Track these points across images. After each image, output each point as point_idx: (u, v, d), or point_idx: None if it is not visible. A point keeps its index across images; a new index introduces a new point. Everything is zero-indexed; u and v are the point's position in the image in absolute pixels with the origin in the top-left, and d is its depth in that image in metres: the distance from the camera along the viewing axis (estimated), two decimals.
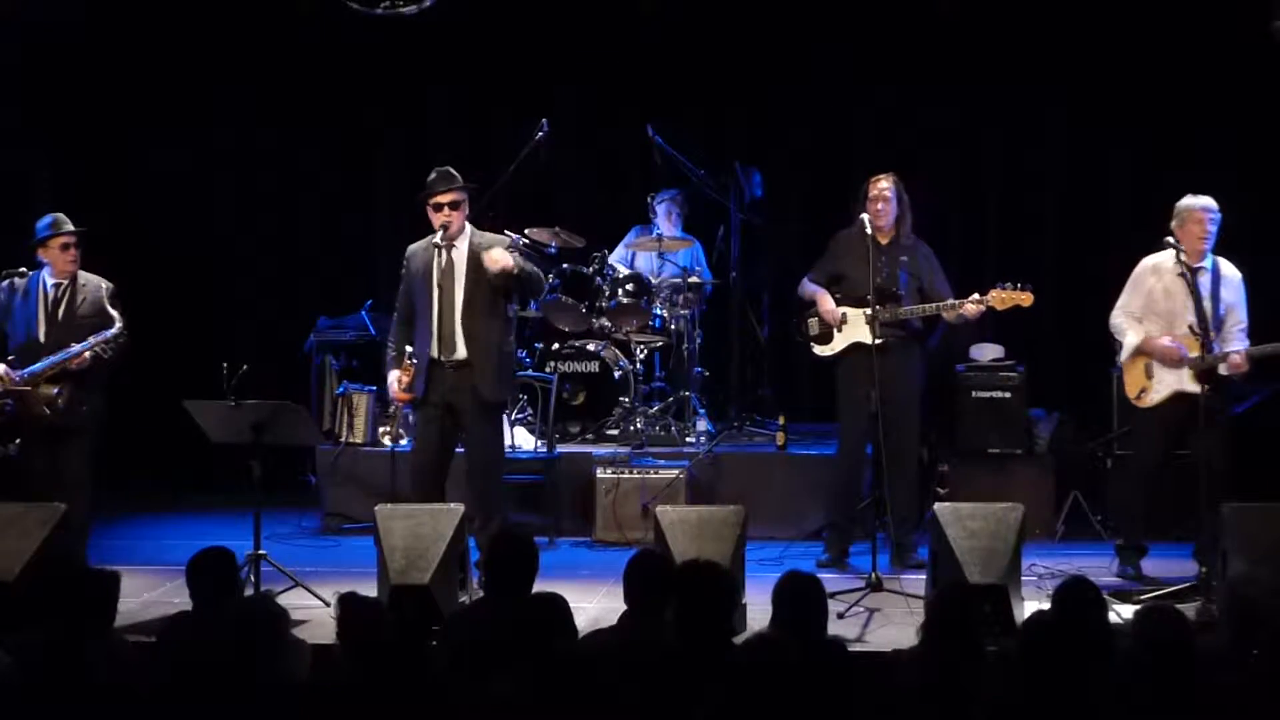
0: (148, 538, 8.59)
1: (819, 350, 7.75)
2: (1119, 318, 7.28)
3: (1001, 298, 7.35)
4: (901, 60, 9.68)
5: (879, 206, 7.49)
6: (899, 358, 7.48)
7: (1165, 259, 7.12)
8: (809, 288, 7.75)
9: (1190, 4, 8.94)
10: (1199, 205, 7.08)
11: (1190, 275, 6.96)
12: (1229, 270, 7.13)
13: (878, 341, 7.15)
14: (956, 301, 7.45)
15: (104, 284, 7.37)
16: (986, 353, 8.84)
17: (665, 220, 9.37)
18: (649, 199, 9.40)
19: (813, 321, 7.76)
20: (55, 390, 7.14)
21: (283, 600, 6.26)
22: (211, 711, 4.22)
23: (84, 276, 7.38)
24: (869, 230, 7.24)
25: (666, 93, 9.88)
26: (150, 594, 7.07)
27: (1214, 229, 7.07)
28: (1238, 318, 7.09)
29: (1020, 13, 9.28)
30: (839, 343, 7.66)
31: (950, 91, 9.82)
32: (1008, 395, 8.63)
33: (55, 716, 4.33)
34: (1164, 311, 7.15)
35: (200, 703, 4.24)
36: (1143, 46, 9.29)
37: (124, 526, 8.88)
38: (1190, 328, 6.92)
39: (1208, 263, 7.10)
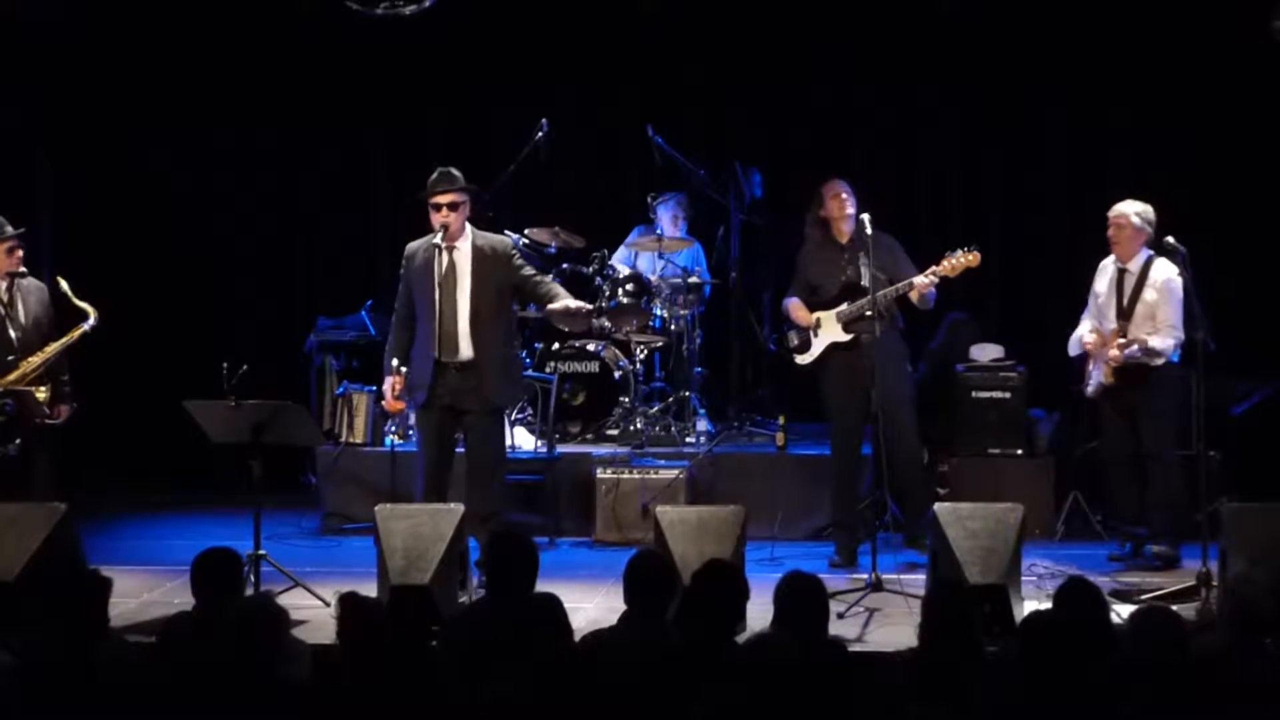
0: (148, 538, 8.59)
1: (800, 359, 7.88)
2: (1083, 315, 7.70)
3: (951, 265, 7.44)
4: (901, 60, 9.68)
5: (841, 210, 7.69)
6: (879, 350, 7.45)
7: (1107, 260, 7.59)
8: (786, 303, 7.93)
9: (1190, 4, 8.94)
10: (1113, 210, 7.52)
11: (1118, 275, 7.47)
12: (1157, 272, 7.38)
13: (848, 337, 7.50)
14: (911, 280, 7.48)
15: (37, 281, 7.49)
16: (986, 353, 8.84)
17: (670, 224, 9.36)
18: (649, 199, 9.39)
19: (792, 333, 7.92)
20: (45, 390, 7.22)
21: (283, 600, 6.28)
22: (211, 711, 4.22)
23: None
24: (868, 230, 7.32)
25: (666, 93, 9.88)
26: (150, 594, 7.07)
27: (1118, 232, 7.42)
28: (1161, 316, 7.33)
29: (1020, 13, 9.28)
30: (816, 347, 7.78)
31: (950, 91, 9.82)
32: (1008, 395, 8.63)
33: (55, 716, 4.34)
34: (1099, 309, 7.56)
35: (200, 703, 4.24)
36: (1143, 46, 9.28)
37: (124, 526, 8.88)
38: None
39: (1135, 264, 7.43)
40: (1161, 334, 7.27)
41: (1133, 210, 7.42)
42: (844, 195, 7.71)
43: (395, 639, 4.40)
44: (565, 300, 7.12)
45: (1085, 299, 7.72)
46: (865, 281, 7.54)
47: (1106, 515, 8.11)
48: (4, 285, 7.34)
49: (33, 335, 7.36)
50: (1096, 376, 7.48)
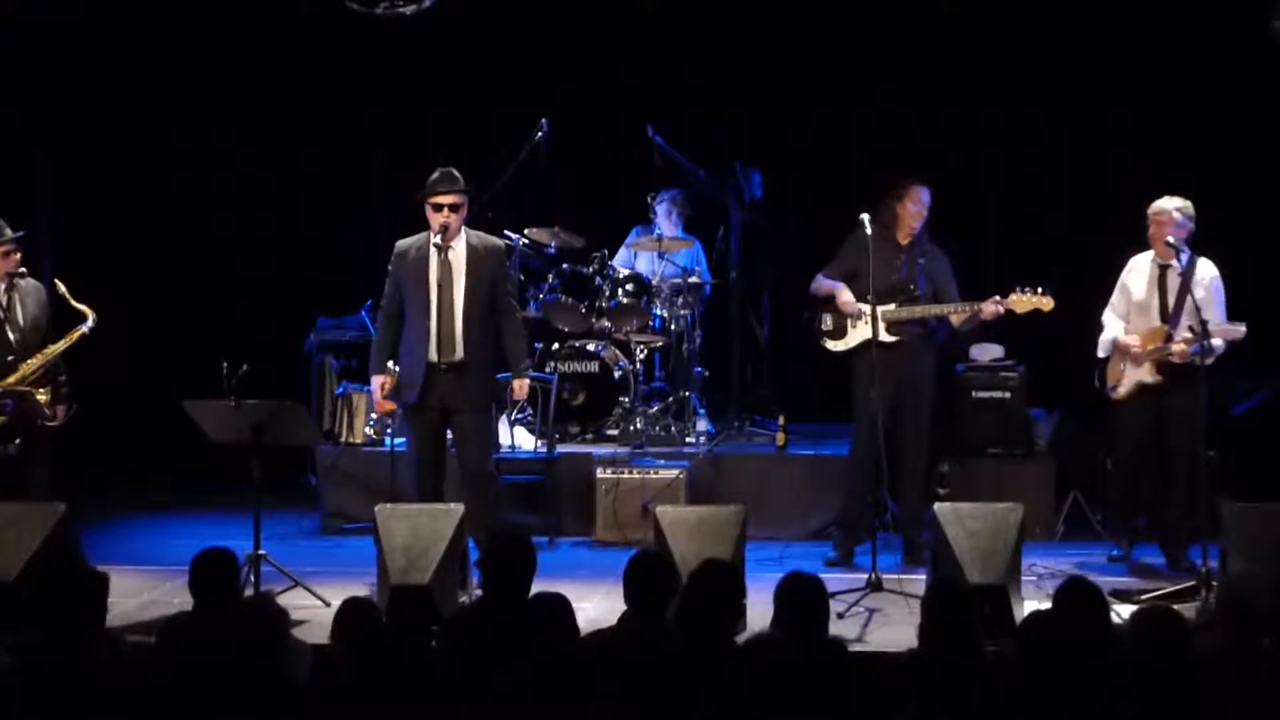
0: (148, 538, 8.59)
1: (833, 345, 7.77)
2: (1106, 314, 7.60)
3: (1022, 301, 7.43)
4: (901, 60, 9.68)
5: (918, 213, 7.62)
6: (914, 356, 7.52)
7: (1143, 258, 7.47)
8: (825, 283, 7.77)
9: (1190, 4, 8.94)
10: (1153, 207, 7.41)
11: (1160, 272, 7.35)
12: (1203, 270, 7.31)
13: (891, 339, 7.36)
14: (975, 303, 7.47)
15: (36, 282, 7.45)
16: (986, 353, 8.85)
17: (666, 220, 9.36)
18: (649, 199, 9.39)
19: (827, 316, 7.80)
20: (46, 392, 7.18)
21: (283, 600, 6.28)
22: (211, 711, 4.22)
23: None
24: (868, 230, 7.26)
25: (666, 93, 9.88)
26: (150, 594, 7.07)
27: (1166, 230, 7.28)
28: (1209, 315, 7.15)
29: (1019, 13, 9.28)
30: (853, 338, 7.69)
31: (950, 91, 9.82)
32: (1008, 395, 8.64)
33: (55, 716, 4.33)
34: (1137, 307, 7.43)
35: (200, 703, 4.24)
36: (1143, 46, 9.29)
37: (125, 526, 8.88)
38: (1190, 327, 7.10)
39: (1179, 261, 7.29)
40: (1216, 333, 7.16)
41: (1173, 206, 7.30)
42: (924, 205, 7.63)
43: (395, 639, 4.40)
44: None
45: (1104, 297, 7.61)
46: (918, 290, 7.55)
47: (1107, 515, 8.10)
48: (2, 287, 7.33)
49: (31, 337, 7.35)
50: (1134, 376, 7.35)
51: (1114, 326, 7.51)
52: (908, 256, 7.60)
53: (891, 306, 7.51)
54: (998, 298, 7.46)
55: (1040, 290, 7.42)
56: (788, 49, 9.78)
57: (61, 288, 7.41)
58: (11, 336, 7.28)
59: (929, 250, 7.68)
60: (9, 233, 7.32)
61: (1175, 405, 7.29)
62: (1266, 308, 9.01)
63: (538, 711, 3.95)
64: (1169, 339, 7.26)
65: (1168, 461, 7.41)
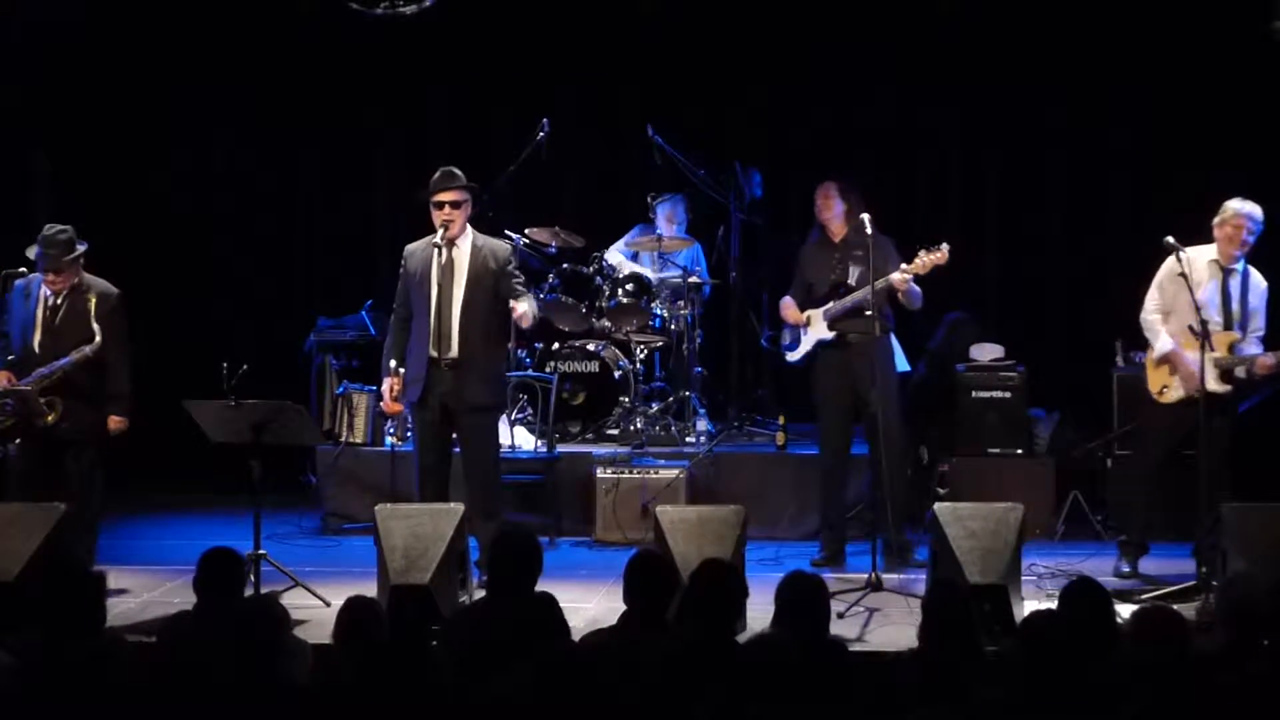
0: (148, 538, 8.59)
1: (790, 357, 7.92)
2: (1151, 315, 7.31)
3: (922, 263, 7.41)
4: (901, 60, 9.68)
5: (832, 212, 7.72)
6: (866, 349, 7.47)
7: (1200, 257, 7.18)
8: (781, 303, 7.94)
9: (1190, 4, 8.94)
10: (1242, 211, 7.14)
11: (1222, 275, 7.15)
12: (1257, 278, 7.24)
13: (833, 335, 7.49)
14: (887, 277, 7.41)
15: (97, 293, 7.17)
16: (986, 353, 8.85)
17: (666, 223, 9.37)
18: (649, 199, 9.39)
19: (785, 332, 7.98)
20: (48, 401, 7.10)
21: (283, 600, 6.29)
22: (211, 711, 4.22)
23: (88, 281, 7.22)
24: (869, 230, 7.28)
25: (666, 93, 9.88)
26: (150, 594, 7.08)
27: (1250, 237, 7.14)
28: (1257, 324, 7.19)
29: (1020, 13, 9.28)
30: (805, 344, 7.80)
31: (950, 91, 9.82)
32: (1008, 395, 8.64)
33: (55, 716, 4.33)
34: (1188, 305, 7.08)
35: (200, 703, 4.24)
36: (1143, 46, 9.29)
37: (124, 526, 8.85)
38: (1190, 327, 6.97)
39: (1239, 266, 7.20)
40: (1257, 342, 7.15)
41: (1260, 211, 7.13)
42: (829, 195, 7.73)
43: (395, 639, 4.40)
44: (514, 304, 7.05)
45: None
46: (852, 280, 7.59)
47: (1108, 516, 8.07)
48: (49, 294, 7.19)
49: (51, 342, 7.19)
50: (1193, 384, 7.04)
51: (1165, 335, 7.20)
52: (841, 253, 7.69)
53: (830, 304, 7.64)
54: (904, 266, 7.44)
55: (934, 246, 7.39)
56: (788, 49, 9.78)
57: (92, 303, 7.26)
58: (35, 341, 7.16)
59: (866, 240, 7.41)
60: (39, 250, 7.12)
61: (1219, 413, 7.09)
62: (1268, 308, 9.03)
63: (538, 711, 3.95)
64: (1232, 348, 7.09)
65: (1196, 465, 7.15)
